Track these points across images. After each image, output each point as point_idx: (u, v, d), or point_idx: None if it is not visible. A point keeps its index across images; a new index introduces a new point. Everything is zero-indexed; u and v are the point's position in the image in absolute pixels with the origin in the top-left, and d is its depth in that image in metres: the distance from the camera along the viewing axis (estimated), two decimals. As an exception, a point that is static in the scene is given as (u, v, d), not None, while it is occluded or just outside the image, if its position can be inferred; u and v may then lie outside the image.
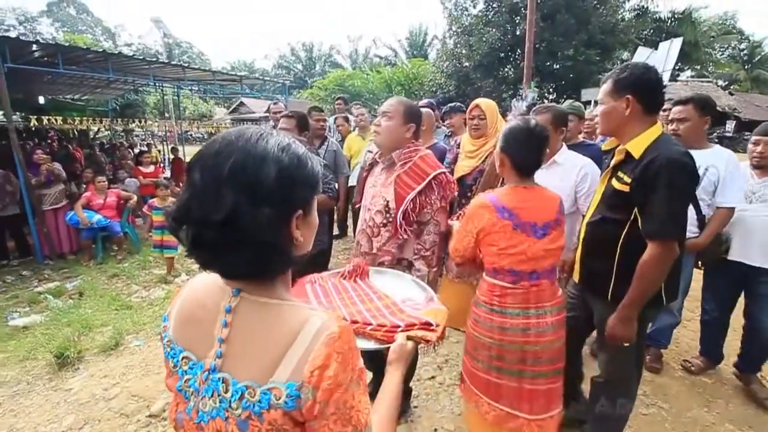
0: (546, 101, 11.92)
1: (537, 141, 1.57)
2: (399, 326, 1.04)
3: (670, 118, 2.38)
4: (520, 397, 1.59)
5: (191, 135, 24.54)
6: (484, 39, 14.39)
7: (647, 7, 18.36)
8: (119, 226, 5.62)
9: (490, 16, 14.90)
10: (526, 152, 1.58)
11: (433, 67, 18.58)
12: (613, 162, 1.64)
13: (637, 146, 1.52)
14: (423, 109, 2.60)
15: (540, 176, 2.19)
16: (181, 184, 8.94)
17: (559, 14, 13.57)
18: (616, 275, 1.59)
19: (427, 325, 1.05)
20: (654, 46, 11.64)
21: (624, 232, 1.56)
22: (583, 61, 14.01)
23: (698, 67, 26.94)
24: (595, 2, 14.14)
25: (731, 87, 25.64)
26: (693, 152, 1.53)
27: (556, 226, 1.58)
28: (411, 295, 1.25)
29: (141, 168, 7.07)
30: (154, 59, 7.20)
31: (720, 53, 29.98)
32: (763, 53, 29.71)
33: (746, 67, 29.65)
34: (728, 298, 2.52)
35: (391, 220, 1.79)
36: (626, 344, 1.57)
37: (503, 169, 1.64)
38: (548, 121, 2.22)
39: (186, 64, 7.05)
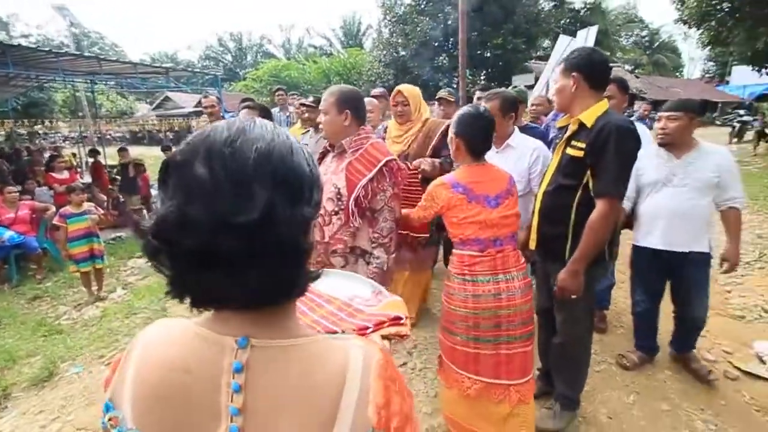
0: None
1: (486, 123, 1.76)
2: (368, 327, 0.95)
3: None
4: (498, 363, 1.71)
5: (110, 135, 22.27)
6: (418, 28, 14.58)
7: (564, -1, 19.73)
8: (36, 241, 4.98)
9: (422, 6, 15.12)
10: (477, 135, 1.74)
11: (371, 56, 18.51)
12: (568, 133, 1.80)
13: (589, 117, 1.71)
14: (366, 98, 2.61)
15: (495, 159, 2.30)
16: (105, 189, 8.13)
17: (487, 5, 14.12)
18: (572, 237, 1.76)
19: (397, 320, 0.99)
20: (571, 34, 12.55)
21: (577, 197, 1.74)
22: (511, 50, 14.76)
23: (608, 53, 29.64)
24: (519, -7, 14.92)
25: (636, 71, 28.47)
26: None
27: (508, 196, 1.75)
28: (356, 292, 1.15)
29: (54, 174, 6.28)
30: (63, 51, 6.35)
31: (625, 40, 33.13)
32: (661, 39, 33.36)
33: (647, 52, 33.13)
34: (656, 287, 2.45)
35: (342, 207, 1.76)
36: (574, 296, 1.74)
37: (458, 152, 1.78)
38: (497, 107, 2.30)
39: (102, 56, 6.34)
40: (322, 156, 1.98)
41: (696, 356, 2.50)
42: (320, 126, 1.85)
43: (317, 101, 3.63)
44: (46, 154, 9.51)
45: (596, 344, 2.71)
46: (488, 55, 15.70)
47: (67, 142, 17.72)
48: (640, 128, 2.60)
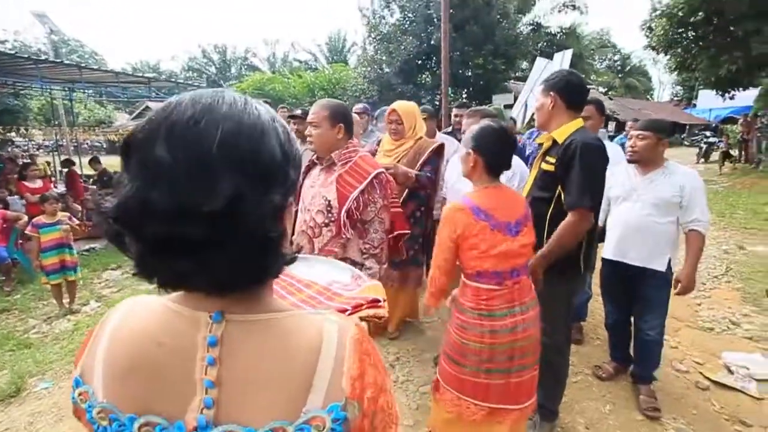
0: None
1: (510, 141, 1.66)
2: (346, 310, 0.96)
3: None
4: (508, 390, 1.64)
5: (87, 144, 21.70)
6: (402, 46, 14.90)
7: (540, 23, 20.54)
8: (5, 251, 4.78)
9: (406, 26, 15.49)
10: (499, 152, 1.61)
11: (355, 72, 18.75)
12: (542, 149, 1.92)
13: (561, 134, 1.82)
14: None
15: None
16: (80, 199, 7.89)
17: (468, 25, 14.57)
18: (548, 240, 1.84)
19: (374, 302, 1.00)
20: (548, 56, 13.11)
21: (551, 208, 1.83)
22: (492, 70, 15.19)
23: (583, 75, 30.84)
24: (498, 16, 15.45)
25: (609, 93, 29.76)
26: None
27: (526, 222, 1.64)
28: (335, 278, 1.16)
29: (26, 183, 6.06)
30: (42, 59, 6.22)
31: (599, 64, 34.65)
32: (632, 64, 35.05)
33: (620, 75, 34.70)
34: (621, 300, 2.47)
35: (333, 219, 1.79)
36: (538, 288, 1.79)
37: (473, 170, 1.61)
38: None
39: (82, 64, 6.23)
40: (308, 168, 2.01)
41: (650, 390, 2.38)
42: (308, 138, 1.88)
43: (305, 114, 3.68)
44: (20, 162, 9.19)
45: (573, 356, 2.77)
46: (469, 74, 16.14)
47: (41, 150, 17.17)
48: (613, 147, 2.76)
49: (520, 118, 10.24)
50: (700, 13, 7.11)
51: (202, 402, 0.48)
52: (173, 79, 9.73)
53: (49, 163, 11.71)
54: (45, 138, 15.27)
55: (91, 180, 10.27)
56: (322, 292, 1.05)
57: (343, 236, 1.78)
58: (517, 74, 19.04)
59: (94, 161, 7.89)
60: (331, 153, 1.84)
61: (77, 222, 4.30)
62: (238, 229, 0.45)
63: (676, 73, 10.76)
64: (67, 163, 9.01)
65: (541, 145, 1.98)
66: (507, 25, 15.95)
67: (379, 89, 16.53)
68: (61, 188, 8.21)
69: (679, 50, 8.14)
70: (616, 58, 35.80)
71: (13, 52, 6.47)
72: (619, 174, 2.44)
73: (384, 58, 15.70)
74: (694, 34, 7.89)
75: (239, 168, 0.45)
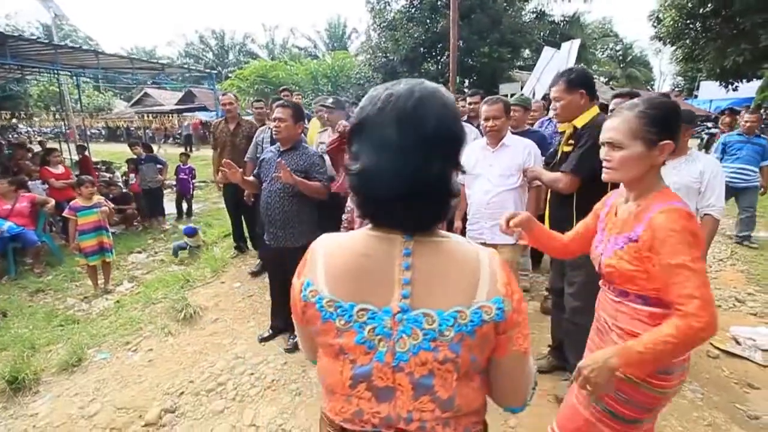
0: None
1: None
2: None
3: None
4: None
5: (88, 131, 21.56)
6: (408, 33, 14.87)
7: (544, 11, 20.46)
8: (35, 235, 4.91)
9: (412, 13, 15.43)
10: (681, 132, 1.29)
11: (358, 59, 18.71)
12: (565, 135, 2.21)
13: (581, 121, 2.11)
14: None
15: (490, 158, 2.63)
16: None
17: (475, 14, 14.55)
18: (576, 217, 2.03)
19: None
20: (552, 45, 13.20)
21: None
22: (497, 59, 15.22)
23: (584, 65, 30.85)
24: (505, 4, 15.41)
25: (611, 83, 29.77)
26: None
27: None
28: None
29: (50, 168, 6.16)
30: (62, 44, 6.23)
31: (601, 53, 34.55)
32: (633, 54, 34.94)
33: (621, 65, 34.62)
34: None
35: None
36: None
37: (658, 163, 1.15)
38: (501, 110, 2.55)
39: (100, 50, 6.27)
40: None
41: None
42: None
43: (337, 102, 3.81)
44: (35, 148, 9.24)
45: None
46: (474, 63, 16.14)
47: (41, 137, 17.08)
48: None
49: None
50: (710, 5, 7.25)
51: (400, 294, 0.68)
52: (185, 66, 9.68)
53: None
54: (41, 125, 15.16)
55: (105, 167, 10.36)
56: None
57: None
58: (519, 63, 19.04)
59: (81, 148, 7.91)
60: None
61: (112, 206, 4.43)
62: (436, 187, 0.67)
63: (681, 64, 10.89)
64: (81, 149, 9.08)
65: (562, 132, 2.25)
66: (513, 13, 15.91)
67: (384, 77, 16.52)
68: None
69: (687, 41, 8.27)
70: (617, 48, 35.66)
71: (34, 37, 6.48)
72: None
73: (389, 45, 15.63)
74: (701, 25, 8.02)
75: (444, 145, 0.66)
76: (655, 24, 9.39)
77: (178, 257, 5.12)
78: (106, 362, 2.82)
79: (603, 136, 1.20)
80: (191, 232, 5.29)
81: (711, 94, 19.54)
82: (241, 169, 2.65)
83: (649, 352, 1.02)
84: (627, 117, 1.14)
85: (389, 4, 16.54)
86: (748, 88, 10.02)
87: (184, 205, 7.65)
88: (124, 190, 7.34)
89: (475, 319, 0.67)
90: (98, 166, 10.23)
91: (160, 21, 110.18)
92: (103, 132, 25.75)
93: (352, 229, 2.35)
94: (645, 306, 1.15)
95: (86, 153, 8.92)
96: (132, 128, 22.62)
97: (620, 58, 35.48)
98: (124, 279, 4.62)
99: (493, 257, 0.72)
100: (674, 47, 9.09)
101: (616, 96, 2.84)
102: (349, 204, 2.41)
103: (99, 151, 15.69)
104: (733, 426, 2.19)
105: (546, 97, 4.68)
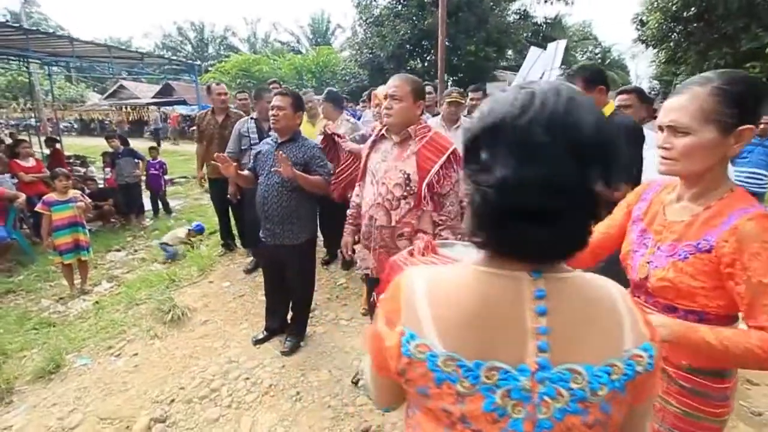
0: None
1: None
2: None
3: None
4: None
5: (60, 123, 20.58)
6: (395, 30, 14.76)
7: (528, 12, 20.72)
8: (4, 231, 4.59)
9: (399, 9, 15.32)
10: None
11: (345, 54, 18.50)
12: None
13: None
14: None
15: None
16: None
17: (462, 12, 14.56)
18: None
19: None
20: (536, 46, 13.42)
21: None
22: (483, 57, 15.30)
23: (566, 67, 31.43)
24: (491, 3, 15.49)
25: (590, 85, 30.31)
26: None
27: None
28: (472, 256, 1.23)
29: (19, 162, 5.78)
30: (34, 29, 5.80)
31: (581, 56, 35.31)
32: (612, 57, 35.79)
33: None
34: None
35: (412, 192, 1.86)
36: None
37: (737, 144, 0.95)
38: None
39: (74, 37, 5.90)
40: (374, 143, 2.06)
41: None
42: (385, 111, 1.90)
43: (334, 95, 3.70)
44: (7, 140, 8.68)
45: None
46: (460, 61, 16.18)
47: (9, 129, 16.18)
48: (650, 133, 2.92)
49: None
50: (693, 9, 7.44)
51: (536, 346, 0.55)
52: (167, 57, 9.28)
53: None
54: (15, 116, 14.34)
55: (79, 161, 9.88)
56: None
57: (424, 208, 1.85)
58: (504, 64, 19.22)
59: (50, 141, 7.49)
60: (408, 128, 1.89)
61: (89, 201, 4.17)
62: (586, 205, 0.54)
63: (664, 66, 11.12)
64: (51, 141, 8.59)
65: None
66: (499, 13, 16.01)
67: (370, 73, 16.37)
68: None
69: (671, 44, 8.48)
70: (597, 50, 36.48)
71: (2, 20, 6.05)
72: (653, 158, 2.60)
73: (376, 41, 15.50)
74: (684, 29, 8.24)
75: (599, 152, 0.53)
76: (639, 27, 9.60)
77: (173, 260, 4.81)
78: (87, 368, 2.62)
79: (663, 119, 0.99)
80: (200, 230, 5.18)
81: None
82: (235, 163, 2.50)
83: (722, 348, 0.89)
84: (697, 94, 0.93)
85: (375, 0, 16.40)
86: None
87: (163, 202, 7.32)
88: (101, 185, 6.98)
89: (628, 372, 0.56)
90: (71, 161, 9.74)
91: (135, 12, 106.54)
92: (76, 125, 24.66)
93: (358, 225, 2.23)
94: (699, 323, 0.99)
95: (58, 146, 8.46)
96: (106, 122, 21.76)
97: (599, 60, 36.28)
98: (102, 279, 4.37)
99: (623, 291, 0.61)
100: (657, 50, 9.31)
101: (620, 92, 2.83)
102: (354, 199, 2.29)
103: (72, 144, 14.99)
104: (738, 423, 2.19)
105: None
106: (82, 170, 8.79)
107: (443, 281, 0.61)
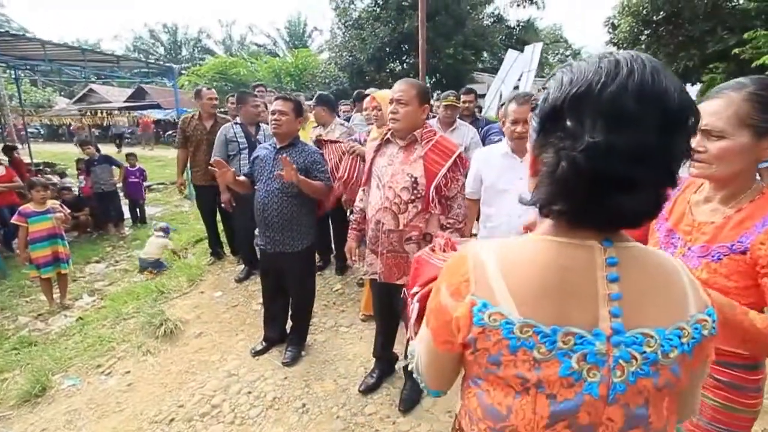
0: (436, 94, 12.80)
1: None
2: None
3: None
4: None
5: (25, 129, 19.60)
6: (375, 33, 14.77)
7: (502, 16, 21.16)
8: (-27, 246, 4.33)
9: (378, 12, 15.33)
10: None
11: (324, 56, 18.35)
12: None
13: None
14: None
15: (519, 169, 2.01)
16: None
17: (439, 16, 14.71)
18: None
19: None
20: (507, 50, 13.79)
21: None
22: (461, 60, 15.50)
23: (538, 68, 32.31)
24: (468, 7, 15.72)
25: (564, 87, 31.12)
26: None
27: None
28: None
29: (-15, 171, 5.45)
30: (3, 30, 5.46)
31: (553, 58, 36.33)
32: (582, 59, 37.07)
33: (572, 70, 36.59)
34: None
35: (419, 195, 1.85)
36: None
37: None
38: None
39: (46, 40, 5.61)
40: (379, 147, 2.04)
41: None
42: (390, 116, 1.89)
43: (325, 98, 3.65)
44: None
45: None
46: (438, 64, 16.34)
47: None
48: None
49: (495, 107, 10.62)
50: (662, 13, 7.78)
51: (609, 312, 0.57)
52: (143, 59, 8.95)
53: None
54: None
55: (50, 170, 9.44)
56: None
57: (431, 211, 1.84)
58: (480, 66, 19.53)
59: (7, 150, 7.07)
60: (413, 132, 1.88)
61: (68, 210, 3.97)
62: (668, 173, 0.55)
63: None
64: (8, 149, 8.07)
65: None
66: (476, 16, 16.27)
67: (350, 76, 16.32)
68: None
69: (642, 47, 8.83)
70: (567, 53, 37.61)
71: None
72: None
73: (356, 44, 15.46)
74: (652, 31, 8.62)
75: (684, 121, 0.54)
76: (611, 30, 9.96)
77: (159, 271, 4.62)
78: (77, 389, 2.48)
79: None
80: (167, 230, 4.96)
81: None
82: (233, 169, 2.43)
83: (748, 324, 0.92)
84: (733, 99, 0.96)
85: (354, 3, 16.38)
86: (692, 91, 10.86)
87: (141, 211, 7.05)
88: (77, 194, 6.67)
89: (696, 335, 0.59)
90: (41, 168, 9.30)
91: (102, 14, 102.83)
92: (42, 131, 23.55)
93: (363, 231, 2.20)
94: None
95: (16, 154, 7.95)
96: (74, 128, 20.89)
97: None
98: (83, 292, 4.17)
99: (681, 261, 0.65)
100: (629, 52, 9.63)
101: None
102: (358, 204, 2.25)
103: (39, 151, 14.31)
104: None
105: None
106: (54, 179, 8.38)
107: (513, 252, 0.62)
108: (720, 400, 1.05)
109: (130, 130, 18.04)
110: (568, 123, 0.54)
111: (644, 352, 0.57)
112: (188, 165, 4.25)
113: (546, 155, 0.58)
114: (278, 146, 2.44)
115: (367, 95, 4.20)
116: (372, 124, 3.11)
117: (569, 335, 0.57)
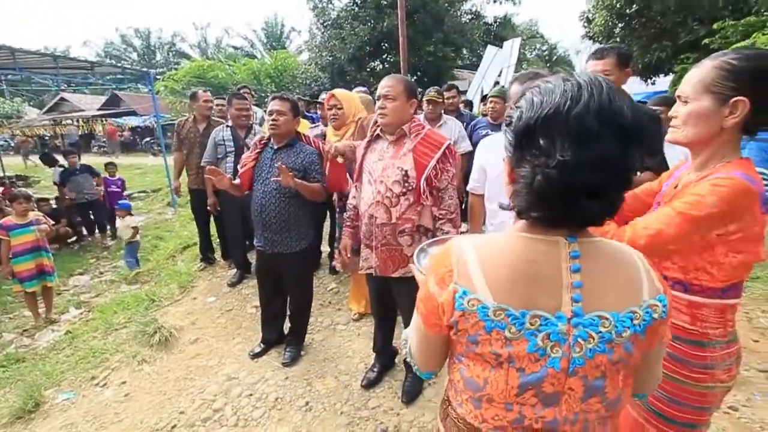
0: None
1: None
2: None
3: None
4: None
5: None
6: (354, 32, 14.72)
7: (479, 12, 21.40)
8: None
9: (356, 11, 15.29)
10: None
11: (304, 57, 18.21)
12: None
13: None
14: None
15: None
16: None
17: (418, 13, 14.78)
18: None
19: None
20: (485, 46, 13.98)
21: None
22: (441, 58, 15.60)
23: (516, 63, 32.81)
24: (446, 4, 15.83)
25: (541, 81, 31.67)
26: None
27: None
28: None
29: (-43, 185, 5.27)
30: None
31: (530, 53, 36.93)
32: (558, 54, 37.74)
33: (548, 64, 37.23)
34: None
35: (411, 188, 1.88)
36: None
37: (734, 126, 0.99)
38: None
39: (16, 48, 5.40)
40: (369, 143, 2.05)
41: None
42: (380, 111, 1.90)
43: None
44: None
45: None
46: (418, 62, 16.42)
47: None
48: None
49: (477, 103, 10.74)
50: (634, 6, 8.00)
51: (570, 298, 0.67)
52: (119, 65, 8.71)
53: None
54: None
55: (23, 183, 9.15)
56: None
57: (423, 203, 1.87)
58: (460, 63, 19.70)
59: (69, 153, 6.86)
60: (402, 126, 1.91)
61: (53, 222, 3.86)
62: (626, 179, 0.65)
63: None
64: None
65: None
66: (454, 13, 16.40)
67: (332, 76, 16.24)
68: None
69: (617, 39, 9.07)
70: (544, 48, 38.28)
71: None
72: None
73: (336, 44, 15.39)
74: (626, 24, 8.85)
75: (637, 134, 0.63)
76: (586, 24, 10.18)
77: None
78: (72, 403, 2.42)
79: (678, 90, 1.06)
80: (127, 207, 5.13)
81: (630, 89, 21.56)
82: (228, 175, 2.41)
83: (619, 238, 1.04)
84: (704, 67, 0.99)
85: (332, 2, 16.30)
86: (664, 82, 11.18)
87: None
88: (54, 206, 6.48)
89: (647, 318, 0.68)
90: (13, 181, 9.00)
91: (69, 20, 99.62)
92: (12, 143, 22.70)
93: (357, 227, 2.21)
94: (684, 294, 1.08)
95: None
96: (46, 137, 20.22)
97: (546, 57, 38.11)
98: (69, 305, 4.08)
99: (640, 253, 0.73)
100: (603, 45, 9.88)
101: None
102: (351, 201, 2.26)
103: (10, 164, 13.83)
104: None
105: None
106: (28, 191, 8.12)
107: (490, 246, 0.72)
108: (666, 371, 1.09)
109: (76, 140, 17.69)
110: (541, 141, 0.63)
111: (600, 332, 0.66)
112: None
113: (523, 170, 0.66)
114: (276, 147, 2.43)
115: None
116: (326, 125, 3.00)
117: (536, 317, 0.67)
